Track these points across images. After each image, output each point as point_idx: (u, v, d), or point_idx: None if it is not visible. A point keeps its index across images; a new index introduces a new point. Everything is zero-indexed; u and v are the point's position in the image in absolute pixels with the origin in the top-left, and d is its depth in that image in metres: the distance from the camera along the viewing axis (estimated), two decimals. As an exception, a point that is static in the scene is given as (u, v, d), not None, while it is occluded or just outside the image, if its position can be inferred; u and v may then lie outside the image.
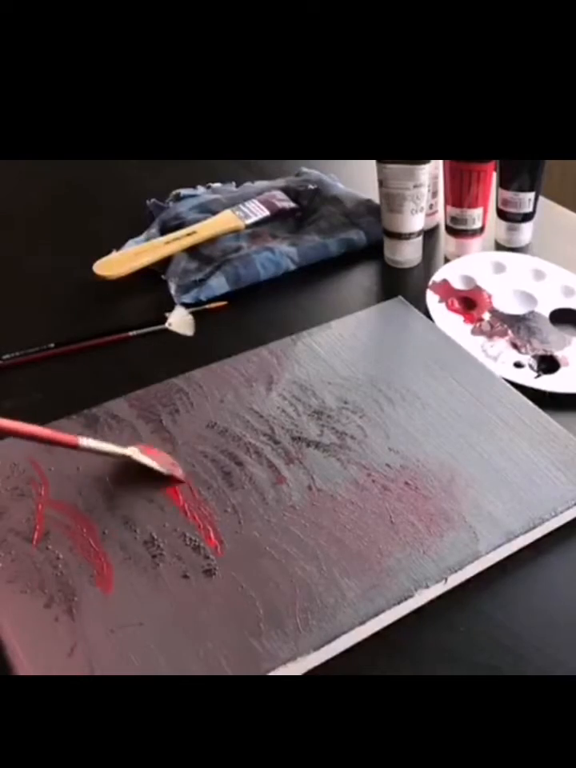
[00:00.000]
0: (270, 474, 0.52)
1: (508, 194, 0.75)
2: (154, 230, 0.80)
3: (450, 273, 0.72)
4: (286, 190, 0.85)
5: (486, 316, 0.68)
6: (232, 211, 0.81)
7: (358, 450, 0.53)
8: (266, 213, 0.81)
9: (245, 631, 0.43)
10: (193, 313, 0.70)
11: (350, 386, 0.59)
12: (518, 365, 0.62)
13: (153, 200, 0.85)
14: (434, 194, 0.79)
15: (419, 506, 0.49)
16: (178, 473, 0.52)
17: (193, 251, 0.76)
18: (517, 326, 0.66)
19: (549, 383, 0.60)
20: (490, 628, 0.44)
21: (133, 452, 0.51)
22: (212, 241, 0.77)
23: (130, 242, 0.78)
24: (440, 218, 0.81)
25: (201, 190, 0.87)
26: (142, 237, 0.79)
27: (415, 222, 0.73)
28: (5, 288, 0.76)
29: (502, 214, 0.76)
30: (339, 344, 0.63)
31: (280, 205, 0.82)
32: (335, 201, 0.82)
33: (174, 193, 0.86)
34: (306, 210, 0.83)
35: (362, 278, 0.75)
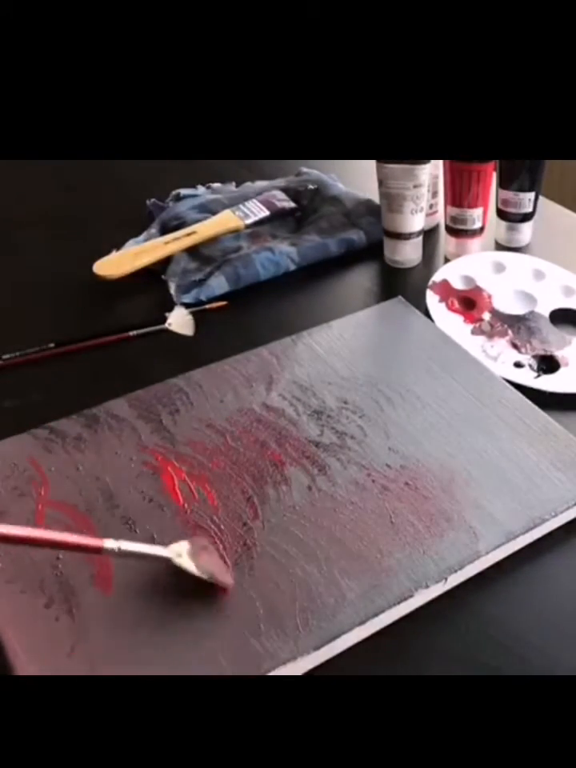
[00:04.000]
0: (270, 474, 0.52)
1: (508, 194, 0.75)
2: (153, 230, 0.80)
3: (450, 273, 0.72)
4: (285, 190, 0.85)
5: (486, 316, 0.68)
6: (232, 211, 0.81)
7: (357, 450, 0.53)
8: (266, 213, 0.81)
9: (245, 631, 0.43)
10: (193, 313, 0.70)
11: (349, 386, 0.59)
12: (518, 365, 0.62)
13: (153, 200, 0.85)
14: (434, 194, 0.79)
15: (419, 506, 0.49)
16: (228, 581, 0.44)
17: (193, 251, 0.76)
18: (517, 326, 0.66)
19: (549, 383, 0.60)
20: (490, 628, 0.44)
21: (174, 554, 0.43)
22: (212, 241, 0.77)
23: (130, 241, 0.78)
24: (440, 217, 0.81)
25: (201, 189, 0.87)
26: (142, 237, 0.79)
27: (415, 222, 0.73)
28: (5, 288, 0.76)
29: (502, 214, 0.76)
30: (339, 344, 0.63)
31: (280, 205, 0.82)
32: (335, 201, 0.82)
33: (174, 193, 0.86)
34: (305, 209, 0.83)
35: (362, 278, 0.75)
